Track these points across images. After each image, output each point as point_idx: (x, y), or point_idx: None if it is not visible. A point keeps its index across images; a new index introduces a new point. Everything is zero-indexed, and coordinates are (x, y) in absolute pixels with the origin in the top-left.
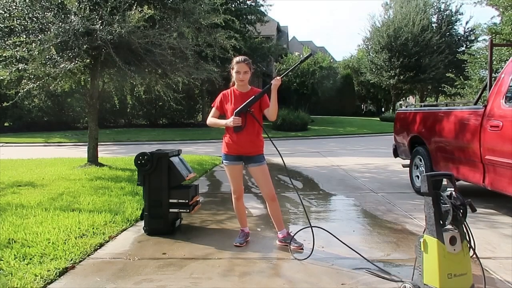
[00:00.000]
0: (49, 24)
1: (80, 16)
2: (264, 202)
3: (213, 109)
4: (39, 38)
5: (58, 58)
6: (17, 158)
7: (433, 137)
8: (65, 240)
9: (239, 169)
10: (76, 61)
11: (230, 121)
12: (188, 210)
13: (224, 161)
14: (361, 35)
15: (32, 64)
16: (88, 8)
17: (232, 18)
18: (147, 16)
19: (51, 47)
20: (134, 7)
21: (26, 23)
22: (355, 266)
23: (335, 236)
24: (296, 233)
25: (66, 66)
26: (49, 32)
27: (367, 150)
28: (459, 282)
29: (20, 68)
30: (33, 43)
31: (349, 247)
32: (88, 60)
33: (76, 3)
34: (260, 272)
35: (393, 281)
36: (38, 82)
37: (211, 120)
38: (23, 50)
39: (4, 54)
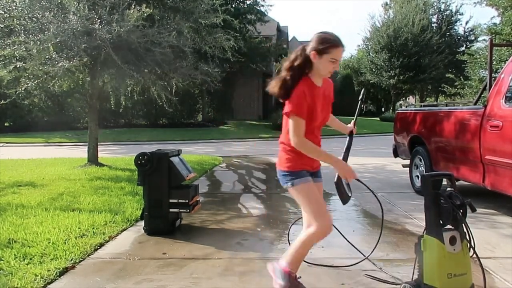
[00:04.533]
0: (49, 24)
1: (79, 15)
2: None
3: (300, 121)
4: (38, 38)
5: (57, 57)
6: (18, 158)
7: (433, 137)
8: (65, 240)
9: (315, 186)
10: (75, 60)
11: (344, 168)
12: (188, 210)
13: (298, 180)
14: (361, 35)
15: (31, 63)
16: (87, 7)
17: (231, 19)
18: (145, 15)
19: (50, 46)
20: (133, 6)
21: (25, 23)
22: (355, 267)
23: (339, 232)
24: (291, 226)
25: (64, 64)
26: (48, 32)
27: (367, 150)
28: (459, 282)
29: (18, 67)
30: (32, 43)
31: (350, 243)
32: (87, 60)
33: (75, 3)
34: (260, 272)
35: (394, 284)
36: (36, 81)
37: (307, 144)
38: (22, 49)
39: (3, 53)
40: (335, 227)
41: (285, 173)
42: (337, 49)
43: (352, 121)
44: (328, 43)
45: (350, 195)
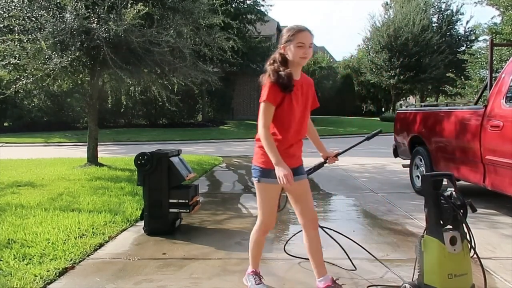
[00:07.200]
0: (46, 23)
1: (75, 13)
2: None
3: (269, 106)
4: (35, 36)
5: (52, 54)
6: (17, 158)
7: (433, 137)
8: (65, 240)
9: (278, 189)
10: (69, 58)
11: (281, 172)
12: (188, 210)
13: (261, 179)
14: (361, 35)
15: (25, 60)
16: (84, 6)
17: (229, 21)
18: (142, 13)
19: (42, 42)
20: (130, 5)
21: (24, 23)
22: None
23: (346, 236)
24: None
25: (58, 61)
26: (44, 31)
27: (367, 150)
28: (459, 282)
29: (12, 63)
30: (28, 42)
31: (356, 243)
32: (86, 59)
33: (73, 2)
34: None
35: (394, 284)
36: (33, 78)
37: (269, 137)
38: (15, 45)
39: None
40: (332, 229)
41: (257, 168)
42: (301, 33)
43: (337, 151)
44: (291, 31)
45: (281, 208)
